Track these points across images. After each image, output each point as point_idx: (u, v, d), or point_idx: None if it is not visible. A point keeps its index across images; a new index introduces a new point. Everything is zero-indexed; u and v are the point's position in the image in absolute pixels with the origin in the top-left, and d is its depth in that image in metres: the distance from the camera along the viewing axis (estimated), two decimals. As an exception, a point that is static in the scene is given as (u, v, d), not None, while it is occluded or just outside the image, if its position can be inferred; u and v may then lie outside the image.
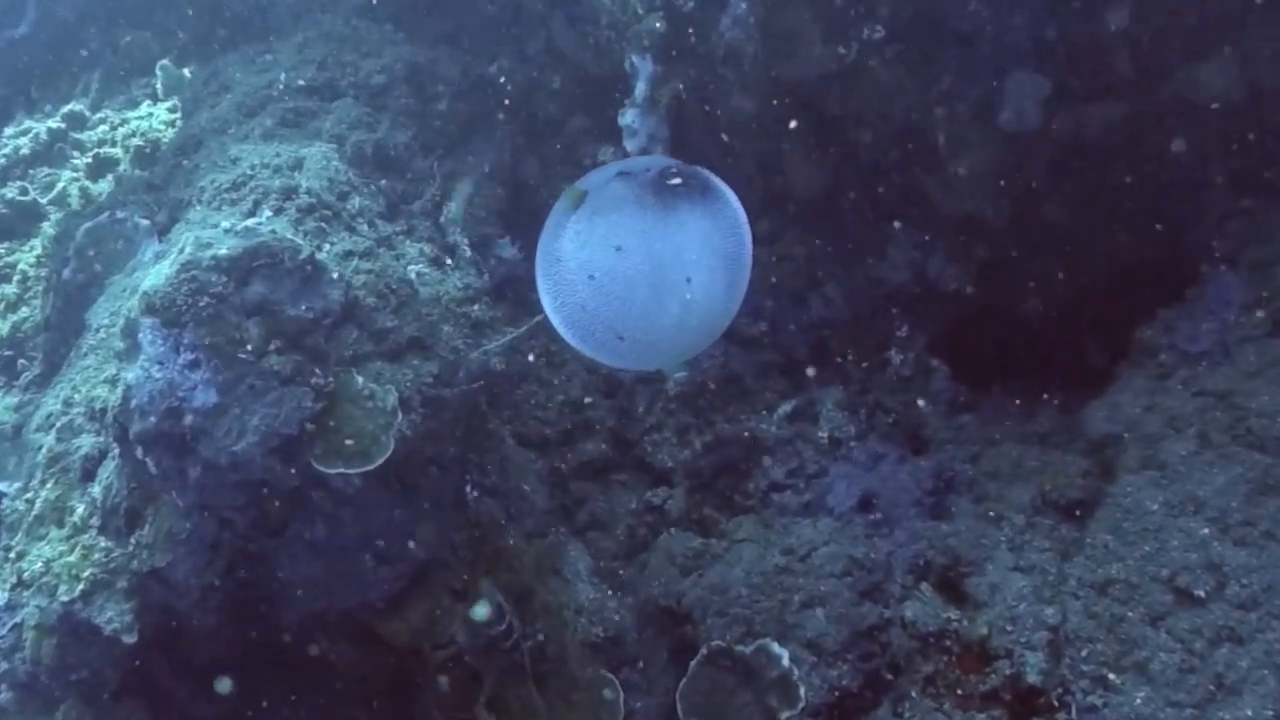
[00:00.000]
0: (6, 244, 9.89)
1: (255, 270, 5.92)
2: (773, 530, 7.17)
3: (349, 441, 5.91)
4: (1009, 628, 6.27)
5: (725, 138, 7.55)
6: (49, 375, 8.03)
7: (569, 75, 8.77)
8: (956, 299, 7.66)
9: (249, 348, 5.82)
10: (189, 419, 5.79)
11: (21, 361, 8.62)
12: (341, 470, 5.87)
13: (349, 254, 6.43)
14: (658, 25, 7.22)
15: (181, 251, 5.97)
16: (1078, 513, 6.58)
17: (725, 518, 7.44)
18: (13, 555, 6.56)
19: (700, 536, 7.33)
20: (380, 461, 5.90)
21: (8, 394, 8.47)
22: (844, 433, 7.45)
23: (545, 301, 4.56)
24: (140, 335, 5.89)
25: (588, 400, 7.85)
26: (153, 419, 5.80)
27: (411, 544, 6.36)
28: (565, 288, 4.38)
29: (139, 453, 5.95)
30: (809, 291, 7.94)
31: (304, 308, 5.98)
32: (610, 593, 7.18)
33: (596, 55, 8.20)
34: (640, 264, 4.21)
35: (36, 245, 9.59)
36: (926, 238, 7.58)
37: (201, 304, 5.80)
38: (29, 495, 6.71)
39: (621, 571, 7.38)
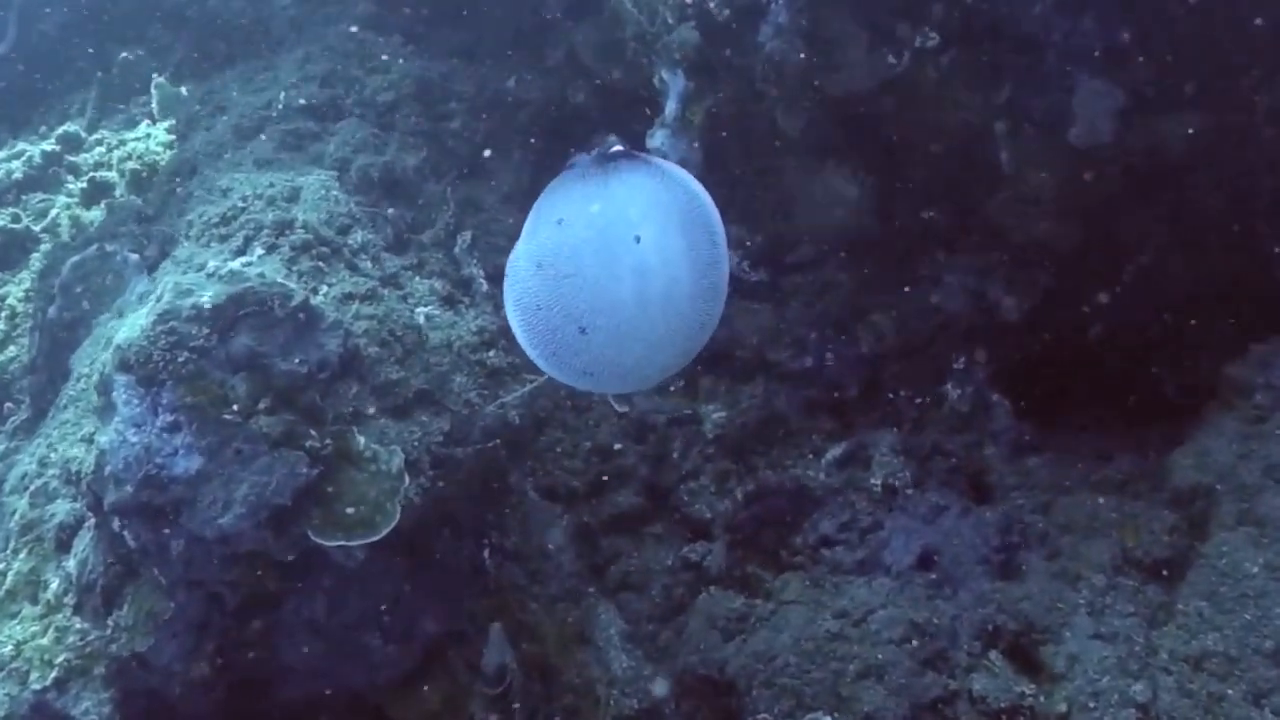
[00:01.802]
0: (-1, 275, 9.34)
1: (241, 320, 5.31)
2: (823, 590, 6.52)
3: (350, 510, 5.29)
4: (1091, 704, 5.60)
5: (764, 157, 6.91)
6: (36, 421, 7.47)
7: (593, 88, 8.14)
8: (1018, 329, 7.00)
9: (235, 407, 5.21)
10: (169, 488, 5.18)
11: (9, 405, 8.04)
12: (342, 543, 5.25)
13: (349, 297, 5.81)
14: (690, 37, 6.58)
15: (159, 300, 5.36)
16: (1165, 573, 5.94)
17: (770, 575, 6.78)
18: (-19, 633, 5.97)
19: (743, 596, 6.68)
20: (385, 532, 5.28)
21: (-7, 440, 7.90)
22: (899, 479, 6.80)
23: (510, 316, 4.16)
24: (114, 394, 5.28)
25: (617, 446, 7.20)
26: (129, 488, 5.19)
27: (423, 619, 5.75)
28: (522, 291, 4.03)
29: (116, 524, 5.35)
30: (856, 322, 7.29)
31: (297, 360, 5.36)
32: (645, 660, 6.55)
33: (622, 67, 7.55)
34: (582, 230, 3.87)
35: (26, 278, 9.03)
36: (985, 263, 6.92)
37: (180, 359, 5.19)
38: (1, 566, 6.11)
39: (658, 636, 6.73)
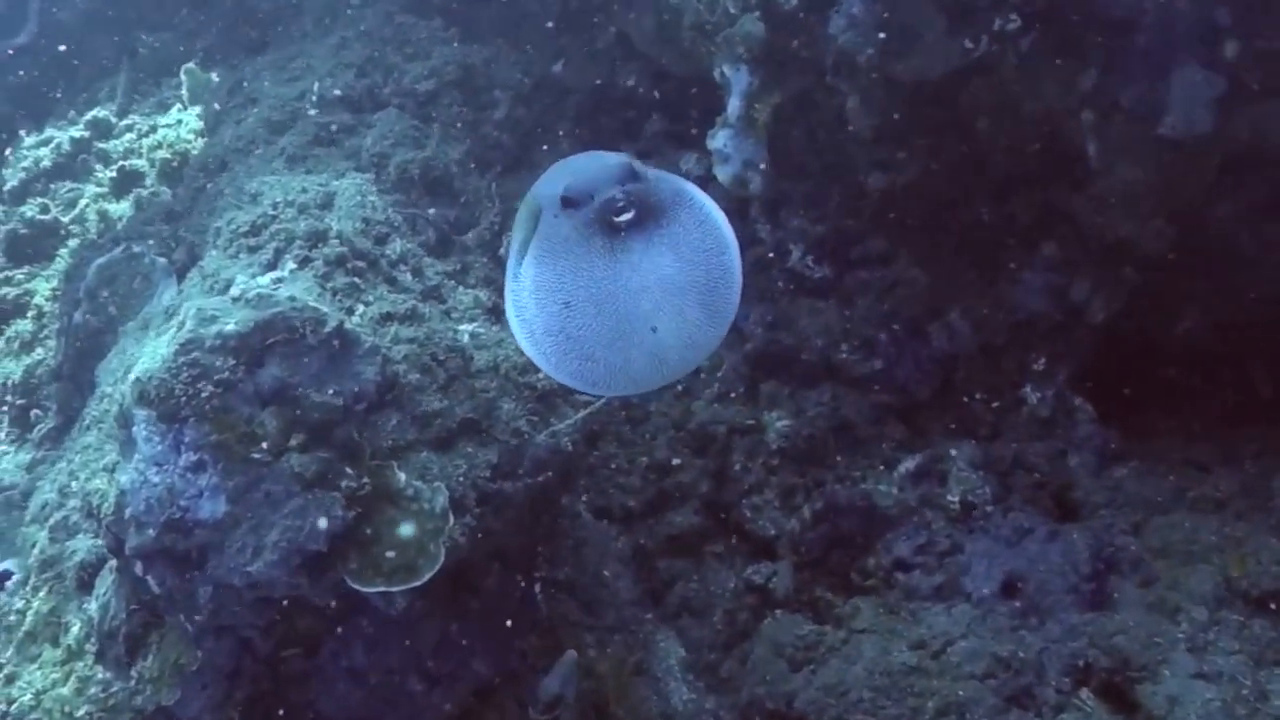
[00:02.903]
0: (27, 268, 8.97)
1: (270, 348, 4.88)
2: (898, 618, 6.10)
3: (390, 554, 4.86)
4: (1195, 752, 5.17)
5: (833, 152, 6.45)
6: (63, 430, 7.13)
7: (645, 72, 7.67)
8: (1103, 329, 6.53)
9: (264, 445, 4.78)
10: (194, 533, 4.76)
11: (35, 411, 7.69)
12: (383, 589, 4.82)
13: (387, 317, 5.37)
14: (755, 29, 6.09)
15: (181, 326, 4.92)
16: (1274, 606, 5.48)
17: (841, 600, 6.34)
18: (2, 676, 5.59)
19: (811, 622, 6.24)
20: (429, 577, 4.84)
21: (20, 449, 7.55)
22: (978, 496, 6.34)
23: (518, 338, 3.90)
24: (135, 429, 4.86)
25: (676, 461, 6.75)
26: (151, 532, 4.78)
27: (471, 661, 5.33)
28: (531, 338, 3.78)
29: (138, 569, 4.93)
30: (930, 322, 6.81)
31: (331, 392, 4.93)
32: (707, 692, 6.14)
33: (677, 53, 7.07)
34: (591, 322, 3.60)
35: (54, 274, 8.68)
36: (1069, 260, 6.46)
37: (205, 394, 4.76)
38: (20, 604, 5.74)
39: (720, 665, 6.31)
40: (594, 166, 3.55)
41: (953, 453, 6.55)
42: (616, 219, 3.47)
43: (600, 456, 6.71)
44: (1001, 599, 6.02)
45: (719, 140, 6.43)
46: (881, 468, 6.64)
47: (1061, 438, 6.61)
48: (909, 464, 6.54)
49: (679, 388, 6.95)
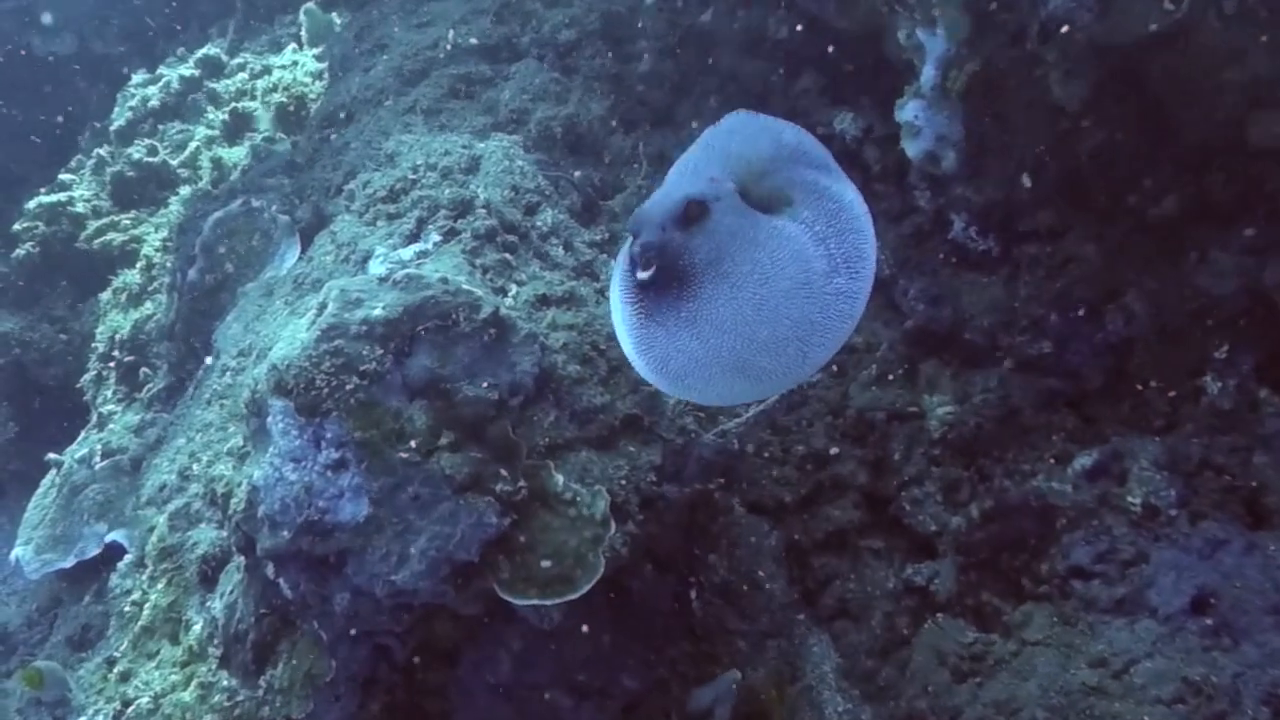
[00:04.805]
0: (134, 213, 8.59)
1: (420, 337, 4.44)
2: (1075, 630, 5.62)
3: (546, 564, 4.42)
4: None
5: (1020, 120, 5.91)
6: (174, 390, 6.77)
7: (796, 24, 7.12)
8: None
9: (412, 443, 4.34)
10: (333, 536, 4.34)
11: (144, 370, 7.30)
12: (536, 602, 4.39)
13: (542, 300, 4.91)
14: (958, -10, 5.57)
15: (322, 309, 4.48)
16: None
17: (1010, 607, 5.86)
18: (116, 671, 5.22)
19: (977, 629, 5.78)
20: (586, 589, 4.41)
21: (128, 409, 7.17)
22: (1162, 498, 5.81)
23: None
24: (270, 420, 4.44)
25: (834, 451, 6.26)
26: (286, 533, 4.37)
27: (621, 674, 4.92)
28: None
29: (269, 571, 4.53)
30: (1105, 303, 6.26)
31: (485, 385, 4.48)
32: (864, 702, 5.71)
33: (842, 5, 6.53)
34: (640, 362, 3.54)
35: (166, 219, 8.28)
36: (1268, 243, 5.90)
37: (349, 386, 4.33)
38: (136, 594, 5.36)
39: (878, 674, 5.86)
40: (666, 194, 3.35)
41: (1133, 450, 6.04)
42: (639, 275, 3.34)
43: (754, 444, 6.24)
44: (1191, 616, 5.52)
45: (908, 111, 5.88)
46: (1052, 461, 6.13)
47: (1245, 432, 6.08)
48: (1085, 460, 6.02)
49: (833, 368, 6.46)
